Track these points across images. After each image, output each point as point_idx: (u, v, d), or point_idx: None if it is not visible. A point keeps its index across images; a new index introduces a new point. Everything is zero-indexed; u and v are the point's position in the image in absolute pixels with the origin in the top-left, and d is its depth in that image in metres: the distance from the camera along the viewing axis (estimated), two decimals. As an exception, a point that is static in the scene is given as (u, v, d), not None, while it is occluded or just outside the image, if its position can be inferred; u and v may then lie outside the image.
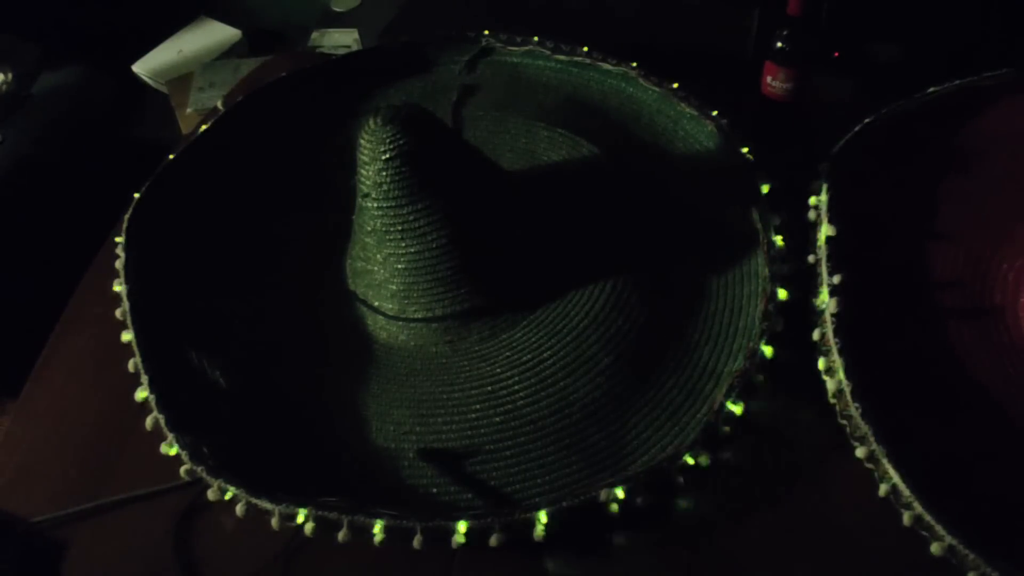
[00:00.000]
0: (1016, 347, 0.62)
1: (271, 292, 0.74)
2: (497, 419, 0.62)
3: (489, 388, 0.64)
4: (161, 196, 0.77)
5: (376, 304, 0.69)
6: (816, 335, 0.62)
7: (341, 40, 1.51)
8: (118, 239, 0.74)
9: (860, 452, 0.56)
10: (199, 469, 0.60)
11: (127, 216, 0.75)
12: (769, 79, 0.79)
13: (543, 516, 0.56)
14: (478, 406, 0.63)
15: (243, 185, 0.81)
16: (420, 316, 0.67)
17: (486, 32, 0.90)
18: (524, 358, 0.65)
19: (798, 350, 0.63)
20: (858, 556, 0.56)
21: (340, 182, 0.72)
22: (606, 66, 0.84)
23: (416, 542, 0.56)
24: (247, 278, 0.75)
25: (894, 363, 0.61)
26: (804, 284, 0.66)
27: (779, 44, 0.76)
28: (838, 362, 0.59)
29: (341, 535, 0.56)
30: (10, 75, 1.37)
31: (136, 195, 0.77)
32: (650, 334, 0.65)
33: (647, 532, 0.59)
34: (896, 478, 0.54)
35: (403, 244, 0.64)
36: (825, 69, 0.83)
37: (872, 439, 0.55)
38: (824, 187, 0.68)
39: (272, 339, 0.70)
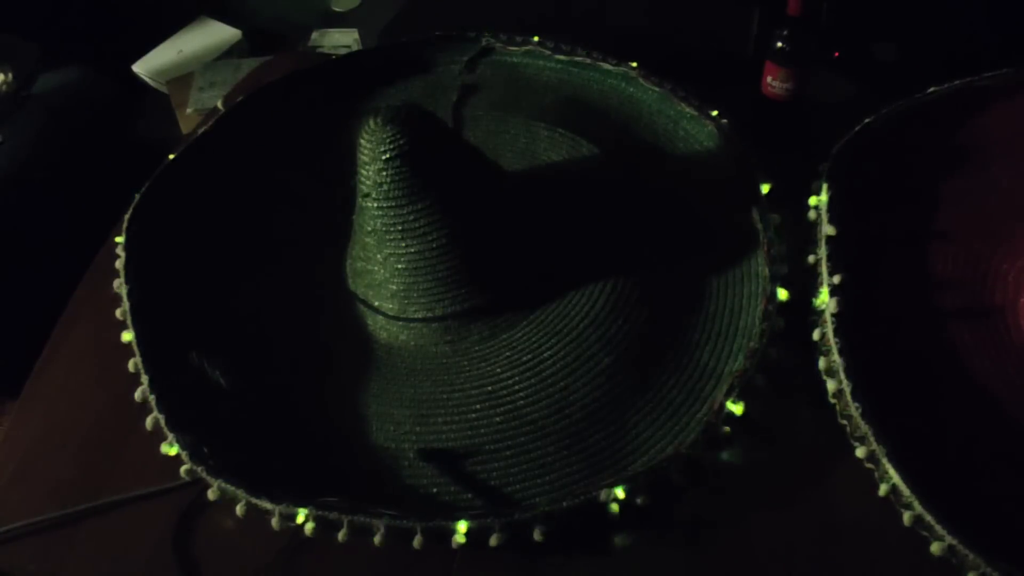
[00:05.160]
0: (1016, 347, 0.62)
1: (271, 292, 0.74)
2: (497, 419, 0.62)
3: (489, 388, 0.64)
4: (161, 196, 0.77)
5: (376, 304, 0.69)
6: (816, 335, 0.62)
7: (341, 40, 1.52)
8: (118, 239, 0.74)
9: (860, 452, 0.56)
10: (199, 469, 0.60)
11: (127, 216, 0.75)
12: (769, 79, 0.79)
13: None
14: (478, 406, 0.63)
15: (243, 185, 0.81)
16: (420, 316, 0.67)
17: (486, 32, 0.90)
18: (524, 358, 0.65)
19: (798, 350, 0.63)
20: (858, 556, 0.56)
21: (340, 182, 0.72)
22: (606, 66, 0.84)
23: (416, 542, 0.56)
24: (247, 278, 0.75)
25: (894, 363, 0.61)
26: (804, 284, 0.66)
27: (779, 44, 0.76)
28: (838, 362, 0.59)
29: (341, 535, 0.56)
30: (10, 75, 1.37)
31: (136, 195, 0.77)
32: (650, 334, 0.65)
33: (647, 532, 0.59)
34: (896, 478, 0.54)
35: (403, 244, 0.64)
36: (825, 69, 0.83)
37: (872, 439, 0.55)
38: (824, 187, 0.68)
39: (272, 339, 0.70)
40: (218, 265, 0.75)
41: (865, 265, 0.65)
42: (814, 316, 0.63)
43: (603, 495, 0.56)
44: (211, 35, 1.63)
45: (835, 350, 0.59)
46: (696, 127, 0.78)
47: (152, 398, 0.64)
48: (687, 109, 0.78)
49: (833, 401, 0.59)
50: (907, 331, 0.63)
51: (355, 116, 0.80)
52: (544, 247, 0.70)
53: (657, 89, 0.81)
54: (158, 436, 0.62)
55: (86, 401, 0.71)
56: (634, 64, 0.82)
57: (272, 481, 0.59)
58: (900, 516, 0.54)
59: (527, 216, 0.71)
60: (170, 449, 0.61)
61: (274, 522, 0.57)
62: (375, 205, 0.64)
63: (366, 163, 0.63)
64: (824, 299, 0.62)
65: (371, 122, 0.63)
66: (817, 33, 0.76)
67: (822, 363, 0.61)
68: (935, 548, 0.52)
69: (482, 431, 0.62)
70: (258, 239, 0.77)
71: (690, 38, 1.05)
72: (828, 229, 0.65)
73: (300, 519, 0.57)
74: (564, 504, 0.56)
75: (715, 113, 0.77)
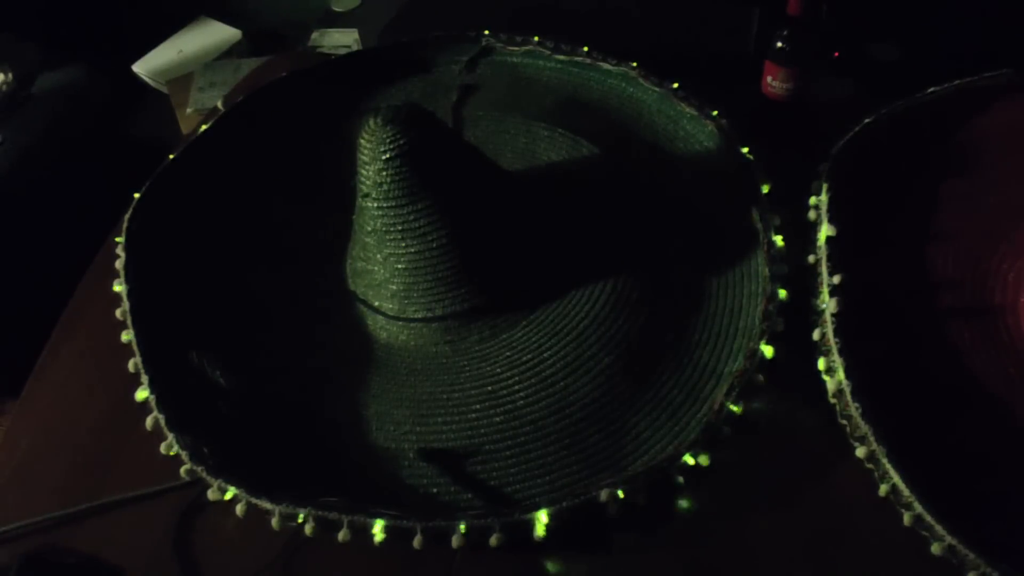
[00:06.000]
0: (1016, 347, 0.62)
1: (271, 292, 0.74)
2: (497, 419, 0.62)
3: (489, 388, 0.64)
4: (161, 196, 0.77)
5: (376, 304, 0.69)
6: (816, 335, 0.62)
7: (341, 40, 1.52)
8: (118, 239, 0.74)
9: (860, 452, 0.56)
10: (199, 469, 0.60)
11: (127, 216, 0.75)
12: (769, 79, 0.79)
13: (543, 516, 0.56)
14: (478, 406, 0.63)
15: (243, 185, 0.81)
16: (420, 316, 0.67)
17: (486, 32, 0.90)
18: (524, 358, 0.65)
19: (798, 350, 0.63)
20: (858, 556, 0.56)
21: (340, 182, 0.72)
22: (606, 66, 0.84)
23: (416, 542, 0.56)
24: (246, 278, 0.75)
25: (894, 363, 0.61)
26: (804, 284, 0.66)
27: (779, 44, 0.76)
28: (838, 362, 0.59)
29: (341, 535, 0.56)
30: (10, 75, 1.37)
31: (136, 195, 0.77)
32: (650, 334, 0.65)
33: (647, 532, 0.59)
34: (896, 478, 0.54)
35: (403, 244, 0.64)
36: (825, 69, 0.84)
37: (872, 439, 0.55)
38: (824, 187, 0.68)
39: (272, 339, 0.70)
40: (218, 265, 0.75)
41: (865, 265, 0.65)
42: (814, 316, 0.63)
43: (603, 495, 0.56)
44: (211, 35, 1.63)
45: (835, 350, 0.59)
46: (696, 127, 0.78)
47: (152, 398, 0.64)
48: (687, 109, 0.78)
49: (833, 401, 0.59)
50: (907, 331, 0.63)
51: (355, 116, 0.80)
52: (544, 247, 0.70)
53: (657, 89, 0.81)
54: (158, 436, 0.62)
55: (86, 401, 0.71)
56: (634, 64, 0.82)
57: (272, 481, 0.59)
58: (900, 516, 0.54)
59: (527, 216, 0.71)
60: (170, 449, 0.61)
61: (274, 522, 0.57)
62: (375, 205, 0.64)
63: (366, 163, 0.63)
64: (824, 299, 0.62)
65: (371, 122, 0.63)
66: (817, 33, 0.76)
67: (822, 363, 0.61)
68: (935, 548, 0.52)
69: (482, 431, 0.62)
70: (257, 239, 0.77)
71: (690, 38, 1.05)
72: (828, 229, 0.65)
73: (300, 519, 0.57)
74: (564, 504, 0.56)
75: (715, 113, 0.77)
